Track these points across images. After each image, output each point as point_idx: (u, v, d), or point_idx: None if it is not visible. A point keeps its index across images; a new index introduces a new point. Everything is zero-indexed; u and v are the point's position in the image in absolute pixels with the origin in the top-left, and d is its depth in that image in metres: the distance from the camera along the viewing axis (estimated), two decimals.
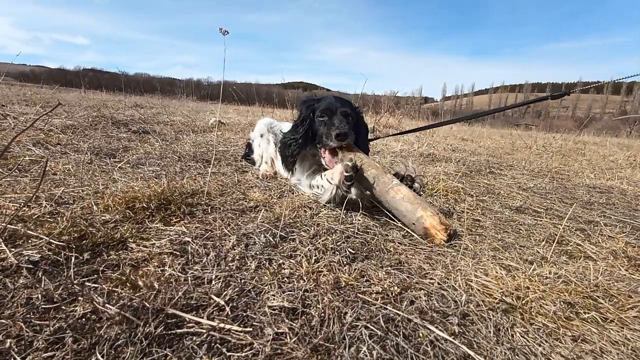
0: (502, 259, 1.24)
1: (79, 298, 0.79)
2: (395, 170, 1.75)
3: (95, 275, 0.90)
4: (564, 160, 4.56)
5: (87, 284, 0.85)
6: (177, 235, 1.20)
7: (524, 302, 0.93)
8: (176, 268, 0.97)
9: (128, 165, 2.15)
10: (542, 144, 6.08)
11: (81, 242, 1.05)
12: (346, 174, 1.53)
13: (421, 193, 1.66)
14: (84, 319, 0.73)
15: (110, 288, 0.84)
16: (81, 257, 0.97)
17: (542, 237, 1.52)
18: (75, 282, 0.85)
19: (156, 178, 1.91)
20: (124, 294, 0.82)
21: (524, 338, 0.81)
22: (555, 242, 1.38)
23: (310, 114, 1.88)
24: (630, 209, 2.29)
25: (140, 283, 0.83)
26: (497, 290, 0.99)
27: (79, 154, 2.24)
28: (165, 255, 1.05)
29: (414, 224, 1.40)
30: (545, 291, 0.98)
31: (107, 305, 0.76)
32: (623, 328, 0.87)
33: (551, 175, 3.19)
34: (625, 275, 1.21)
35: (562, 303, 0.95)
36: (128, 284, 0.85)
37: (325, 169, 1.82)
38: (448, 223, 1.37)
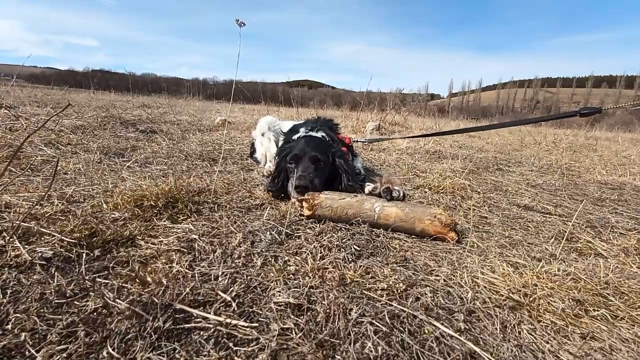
0: (509, 256, 1.22)
1: (90, 293, 0.81)
2: (369, 190, 1.64)
3: (106, 272, 0.92)
4: (575, 157, 4.47)
5: (98, 279, 0.88)
6: (184, 233, 1.22)
7: (531, 299, 0.92)
8: (184, 265, 0.98)
9: (136, 164, 2.19)
10: (551, 140, 5.97)
11: (92, 239, 1.08)
12: None
13: (404, 197, 1.61)
14: (95, 314, 0.75)
15: (120, 284, 0.86)
16: (92, 254, 1.00)
17: (551, 234, 1.50)
18: (87, 278, 0.87)
19: (164, 177, 1.93)
20: (133, 289, 0.83)
21: (532, 335, 0.80)
22: (564, 239, 1.36)
23: (283, 163, 1.77)
24: None
25: (149, 279, 0.85)
26: (504, 287, 0.98)
27: (88, 154, 2.28)
28: (173, 252, 1.06)
29: (420, 235, 1.39)
30: (554, 288, 0.97)
31: (117, 300, 0.78)
32: (634, 325, 0.86)
33: (561, 172, 3.13)
34: (637, 272, 1.19)
35: (570, 300, 0.93)
36: (137, 280, 0.87)
37: None
38: (449, 221, 1.34)
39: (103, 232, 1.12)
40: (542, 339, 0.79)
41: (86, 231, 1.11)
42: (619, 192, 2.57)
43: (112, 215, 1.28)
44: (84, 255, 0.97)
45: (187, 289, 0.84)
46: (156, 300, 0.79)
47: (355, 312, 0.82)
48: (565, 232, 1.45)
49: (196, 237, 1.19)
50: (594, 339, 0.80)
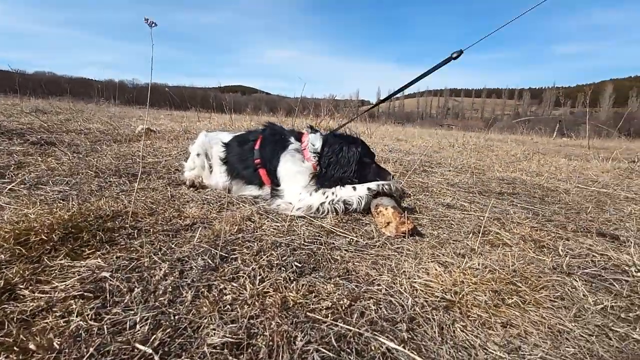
0: (439, 256, 1.33)
1: None
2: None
3: None
4: (479, 156, 5.23)
5: None
6: (90, 271, 1.00)
7: (460, 296, 1.00)
8: (87, 315, 0.80)
9: (22, 186, 1.76)
10: (461, 142, 6.92)
11: None
12: None
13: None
14: None
15: None
16: None
17: (470, 230, 1.69)
18: None
19: (63, 200, 1.59)
20: None
21: (464, 332, 0.87)
22: (480, 233, 1.54)
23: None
24: (530, 196, 2.71)
25: (32, 346, 0.65)
26: (438, 289, 1.05)
27: None
28: (73, 300, 0.85)
29: None
30: (477, 283, 1.08)
31: None
32: (539, 308, 1.00)
33: (471, 171, 3.62)
34: (533, 257, 1.40)
35: (490, 292, 1.04)
36: (16, 348, 0.66)
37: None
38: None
39: None
40: (472, 334, 0.86)
41: None
42: (513, 186, 3.08)
43: None
44: None
45: (91, 349, 0.67)
46: None
47: (301, 340, 0.77)
48: (480, 227, 1.65)
49: (107, 274, 0.99)
50: (512, 326, 0.91)
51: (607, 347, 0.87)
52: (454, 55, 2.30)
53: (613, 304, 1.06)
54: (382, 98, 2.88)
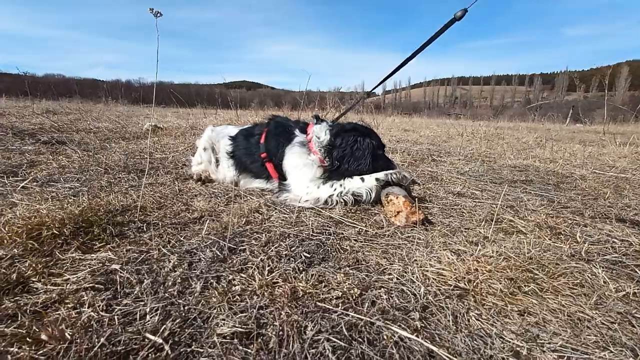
0: (451, 244, 1.29)
1: None
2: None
3: None
4: (489, 144, 5.11)
5: None
6: (101, 264, 1.01)
7: (474, 284, 0.97)
8: (98, 306, 0.80)
9: (35, 183, 1.79)
10: (470, 131, 6.76)
11: None
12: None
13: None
14: None
15: (3, 348, 0.65)
16: None
17: (482, 218, 1.64)
18: None
19: (74, 196, 1.61)
20: (22, 354, 0.64)
21: (479, 321, 0.84)
22: (493, 221, 1.50)
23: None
24: (544, 183, 2.63)
25: (44, 336, 0.66)
26: (451, 277, 1.02)
27: None
28: (84, 292, 0.86)
29: None
30: (491, 270, 1.04)
31: None
32: (557, 295, 0.96)
33: (481, 159, 3.54)
34: (550, 244, 1.36)
35: (506, 280, 1.01)
36: (29, 339, 0.67)
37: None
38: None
39: None
40: (487, 323, 0.83)
41: None
42: (525, 174, 2.99)
43: None
44: None
45: (102, 339, 0.67)
46: None
47: (311, 330, 0.76)
48: (493, 214, 1.60)
49: (117, 267, 1.00)
50: (529, 314, 0.88)
51: (631, 334, 0.83)
52: (458, 15, 2.05)
53: (636, 290, 1.01)
54: (386, 85, 2.78)
